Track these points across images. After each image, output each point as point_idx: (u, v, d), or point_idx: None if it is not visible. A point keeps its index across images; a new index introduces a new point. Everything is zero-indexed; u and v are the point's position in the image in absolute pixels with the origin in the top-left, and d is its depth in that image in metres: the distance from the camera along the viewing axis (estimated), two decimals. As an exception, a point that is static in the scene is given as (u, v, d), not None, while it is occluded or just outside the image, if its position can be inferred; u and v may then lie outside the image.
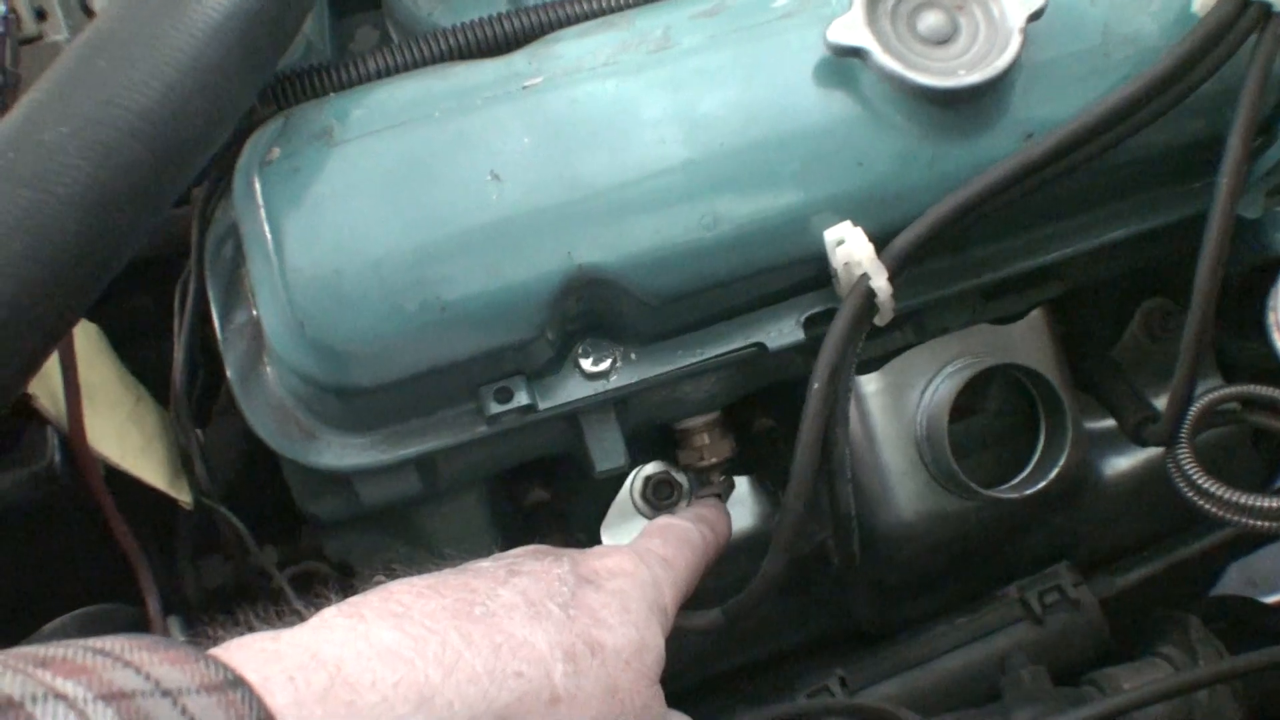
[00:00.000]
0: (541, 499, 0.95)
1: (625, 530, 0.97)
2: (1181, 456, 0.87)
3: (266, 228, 0.78)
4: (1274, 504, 0.83)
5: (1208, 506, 0.86)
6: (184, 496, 0.86)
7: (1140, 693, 0.77)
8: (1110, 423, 0.99)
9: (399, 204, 0.78)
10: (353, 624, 0.58)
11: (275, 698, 0.52)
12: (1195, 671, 0.84)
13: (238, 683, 0.50)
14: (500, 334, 0.79)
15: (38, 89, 0.66)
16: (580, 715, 0.62)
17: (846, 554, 0.87)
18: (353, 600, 0.62)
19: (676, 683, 1.06)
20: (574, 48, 0.83)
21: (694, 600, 0.89)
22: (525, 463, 0.94)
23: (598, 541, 0.97)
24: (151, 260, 0.95)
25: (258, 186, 0.79)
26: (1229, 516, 0.85)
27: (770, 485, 0.99)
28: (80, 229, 0.65)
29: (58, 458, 0.81)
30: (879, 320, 0.81)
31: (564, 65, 0.82)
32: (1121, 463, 1.04)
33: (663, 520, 0.84)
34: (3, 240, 0.62)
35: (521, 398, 0.81)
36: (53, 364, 0.80)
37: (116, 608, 0.81)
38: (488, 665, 0.59)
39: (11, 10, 0.87)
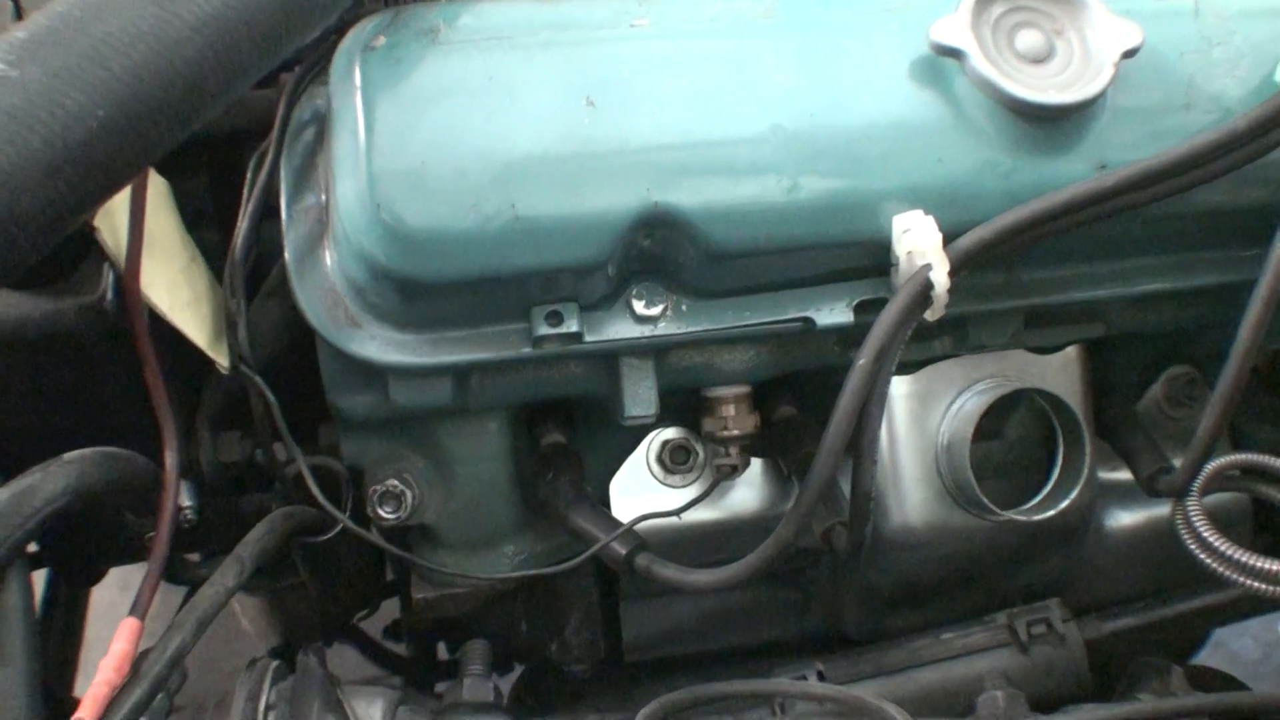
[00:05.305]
0: (558, 441, 0.96)
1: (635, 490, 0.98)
2: (1191, 508, 0.89)
3: (360, 109, 0.79)
4: (1275, 567, 0.85)
5: (1210, 562, 0.87)
6: (222, 359, 0.86)
7: (1115, 710, 0.78)
8: (1119, 475, 1.01)
9: (493, 112, 0.79)
10: None
11: None
12: (1167, 700, 0.84)
13: None
14: (566, 253, 0.80)
15: None
16: None
17: (856, 536, 0.87)
18: None
19: (658, 652, 1.08)
20: (685, -1, 0.86)
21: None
22: (549, 404, 0.95)
23: (606, 496, 0.98)
24: (211, 141, 0.96)
25: (358, 69, 0.80)
26: (1230, 574, 0.86)
27: (785, 470, 1.00)
28: (198, 56, 0.66)
29: (110, 294, 0.81)
30: (930, 314, 0.83)
31: (673, 13, 0.84)
32: (1124, 517, 1.05)
33: None
34: (126, 45, 0.63)
35: (571, 324, 0.83)
36: (120, 203, 0.81)
37: (133, 455, 0.80)
38: None
39: None
